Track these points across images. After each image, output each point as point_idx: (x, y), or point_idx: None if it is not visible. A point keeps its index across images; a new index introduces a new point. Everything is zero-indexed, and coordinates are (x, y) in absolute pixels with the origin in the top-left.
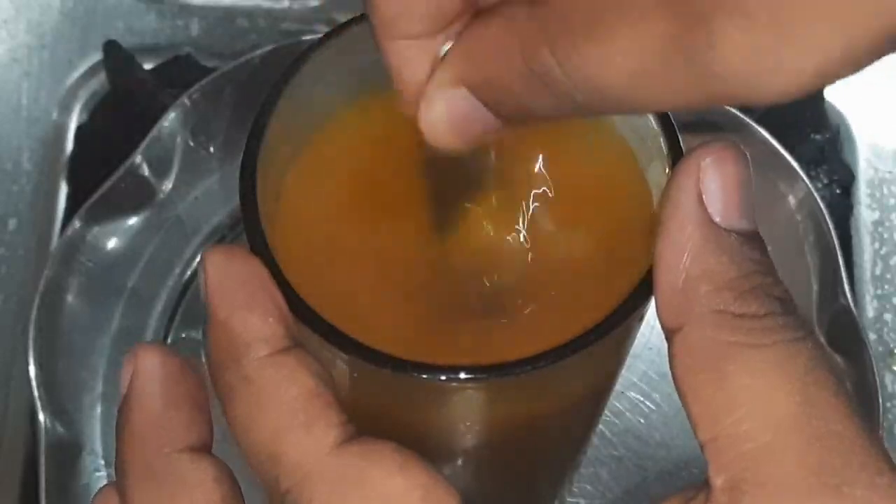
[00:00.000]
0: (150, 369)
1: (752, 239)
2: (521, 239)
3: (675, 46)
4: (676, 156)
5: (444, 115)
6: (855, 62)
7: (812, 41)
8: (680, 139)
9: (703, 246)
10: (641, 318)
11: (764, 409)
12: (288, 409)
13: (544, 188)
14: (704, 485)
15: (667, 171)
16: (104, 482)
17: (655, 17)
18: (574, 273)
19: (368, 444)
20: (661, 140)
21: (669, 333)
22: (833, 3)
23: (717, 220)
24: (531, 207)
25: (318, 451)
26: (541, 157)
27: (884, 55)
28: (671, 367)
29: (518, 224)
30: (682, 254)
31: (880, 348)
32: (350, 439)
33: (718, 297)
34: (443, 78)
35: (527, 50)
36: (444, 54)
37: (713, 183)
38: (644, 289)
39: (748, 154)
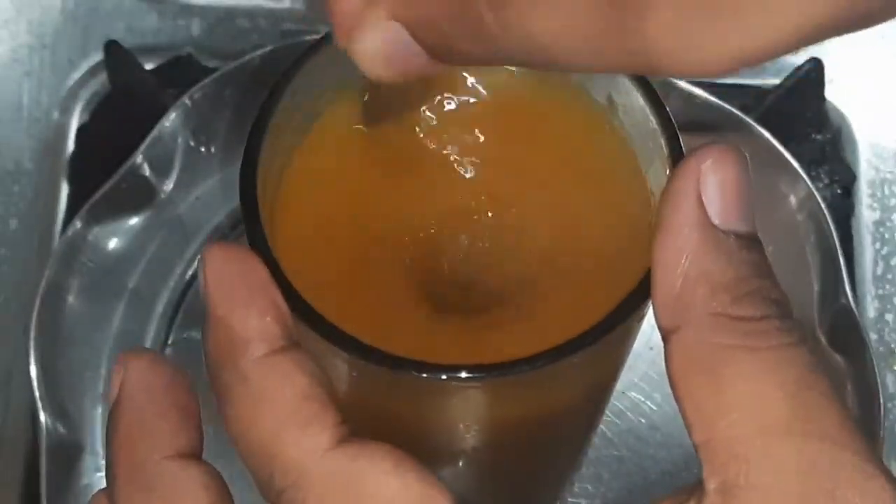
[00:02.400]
0: (138, 376)
1: (751, 241)
2: (522, 239)
3: (608, 10)
4: (677, 156)
5: (376, 47)
6: (795, 45)
7: (752, 20)
8: (680, 139)
9: (702, 248)
10: (641, 318)
11: (758, 412)
12: (284, 409)
13: (545, 188)
14: (698, 486)
15: (667, 171)
16: (105, 482)
17: None
18: (574, 273)
19: (363, 446)
20: (662, 140)
21: (666, 335)
22: None
23: (716, 222)
24: (531, 207)
25: (312, 452)
26: (541, 156)
27: (811, 44)
28: (667, 369)
29: (518, 224)
30: (681, 255)
31: (881, 348)
32: (345, 440)
33: (715, 299)
34: (376, 10)
35: None
36: None
37: (713, 185)
38: (643, 289)
39: (748, 155)
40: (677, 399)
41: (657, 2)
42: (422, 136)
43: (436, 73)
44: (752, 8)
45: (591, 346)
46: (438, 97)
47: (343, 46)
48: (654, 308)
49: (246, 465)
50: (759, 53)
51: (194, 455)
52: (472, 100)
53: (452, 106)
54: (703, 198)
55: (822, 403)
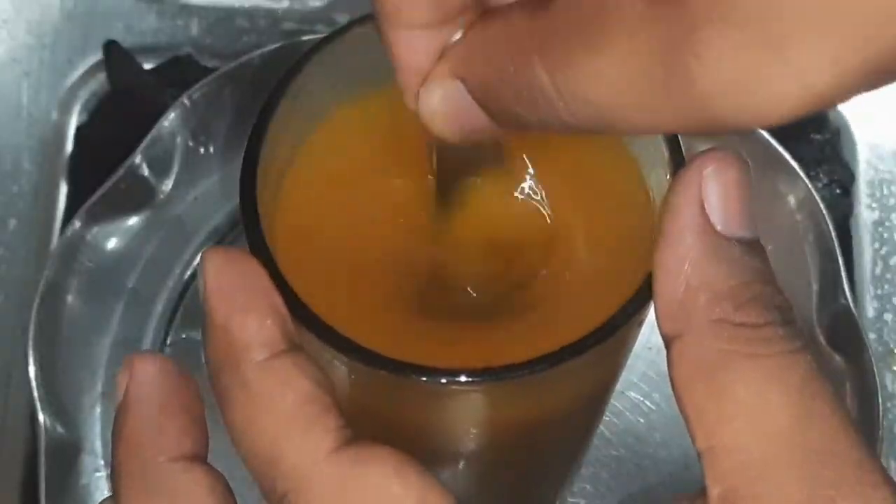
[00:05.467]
0: (145, 378)
1: (753, 247)
2: (523, 242)
3: (664, 58)
4: (678, 161)
5: (440, 106)
6: (847, 91)
7: (801, 62)
8: (682, 144)
9: (704, 254)
10: (641, 322)
11: (760, 420)
12: (285, 413)
13: (546, 192)
14: (700, 493)
15: (668, 176)
16: (104, 482)
17: (645, 28)
18: (575, 277)
19: (365, 449)
20: (663, 145)
21: (668, 341)
22: (831, 20)
23: (718, 228)
24: (533, 211)
25: (315, 455)
26: (542, 161)
27: (881, 85)
28: (670, 375)
29: (519, 227)
30: (683, 262)
31: (880, 348)
32: (347, 444)
33: (718, 305)
34: (442, 70)
35: (519, 57)
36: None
37: (714, 192)
38: (643, 294)
39: (747, 155)
40: (680, 405)
41: (704, 54)
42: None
43: (498, 136)
44: (799, 50)
45: (591, 350)
46: None
47: (408, 101)
48: (656, 314)
49: (248, 468)
50: (816, 97)
51: (199, 458)
52: None
53: None
54: (705, 204)
55: (825, 411)
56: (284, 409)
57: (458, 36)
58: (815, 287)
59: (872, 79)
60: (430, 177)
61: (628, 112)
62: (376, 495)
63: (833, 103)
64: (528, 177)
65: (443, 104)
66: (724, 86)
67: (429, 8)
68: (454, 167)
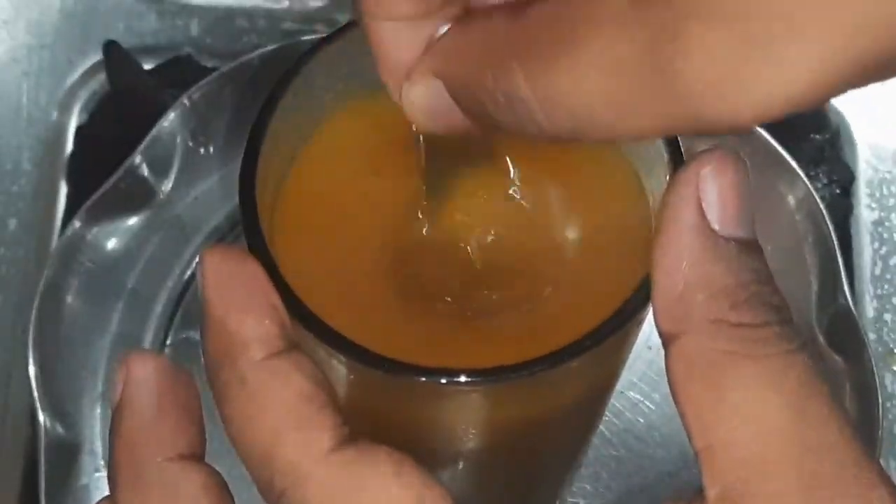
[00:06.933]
0: (141, 377)
1: (750, 247)
2: (522, 243)
3: (648, 57)
4: (677, 161)
5: (420, 103)
6: (834, 88)
7: (787, 58)
8: (680, 144)
9: (702, 254)
10: (640, 322)
11: (758, 419)
12: (283, 411)
13: (543, 192)
14: (697, 494)
15: (667, 177)
16: (104, 482)
17: (629, 27)
18: (574, 278)
19: (363, 448)
20: (662, 145)
21: (666, 340)
22: (816, 17)
23: (716, 228)
24: (530, 212)
25: (312, 454)
26: (540, 160)
27: (866, 83)
28: (668, 374)
29: (517, 229)
30: (681, 261)
31: (880, 348)
32: (345, 442)
33: (716, 305)
34: (423, 66)
35: (497, 63)
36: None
37: (712, 192)
38: (642, 294)
39: (747, 155)
40: (678, 405)
41: (689, 51)
42: (423, 141)
43: (479, 133)
44: (785, 46)
45: (590, 351)
46: None
47: (391, 93)
48: (654, 313)
49: (245, 466)
50: (799, 96)
51: (195, 456)
52: None
53: None
54: (703, 204)
55: (823, 411)
56: (282, 406)
57: (444, 29)
58: (814, 287)
59: (860, 76)
60: (417, 173)
61: (609, 116)
62: (374, 494)
63: (820, 101)
64: (518, 178)
65: (423, 101)
66: (710, 82)
67: (411, 1)
68: (442, 163)
